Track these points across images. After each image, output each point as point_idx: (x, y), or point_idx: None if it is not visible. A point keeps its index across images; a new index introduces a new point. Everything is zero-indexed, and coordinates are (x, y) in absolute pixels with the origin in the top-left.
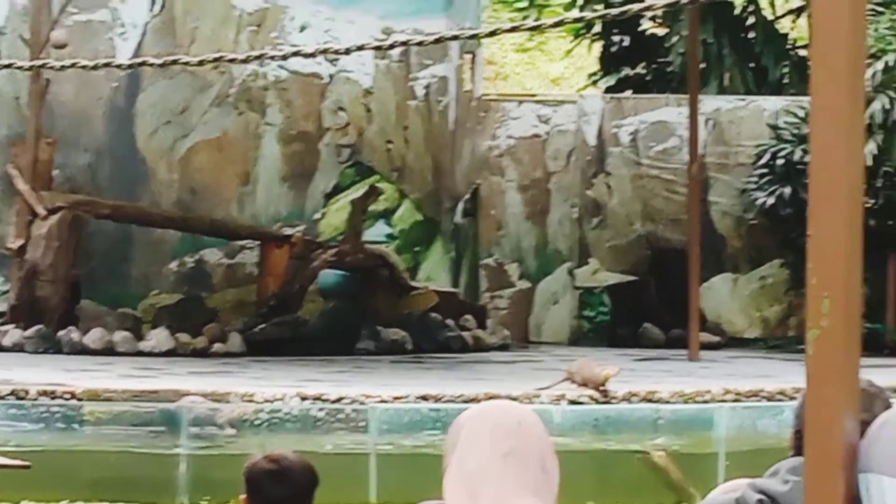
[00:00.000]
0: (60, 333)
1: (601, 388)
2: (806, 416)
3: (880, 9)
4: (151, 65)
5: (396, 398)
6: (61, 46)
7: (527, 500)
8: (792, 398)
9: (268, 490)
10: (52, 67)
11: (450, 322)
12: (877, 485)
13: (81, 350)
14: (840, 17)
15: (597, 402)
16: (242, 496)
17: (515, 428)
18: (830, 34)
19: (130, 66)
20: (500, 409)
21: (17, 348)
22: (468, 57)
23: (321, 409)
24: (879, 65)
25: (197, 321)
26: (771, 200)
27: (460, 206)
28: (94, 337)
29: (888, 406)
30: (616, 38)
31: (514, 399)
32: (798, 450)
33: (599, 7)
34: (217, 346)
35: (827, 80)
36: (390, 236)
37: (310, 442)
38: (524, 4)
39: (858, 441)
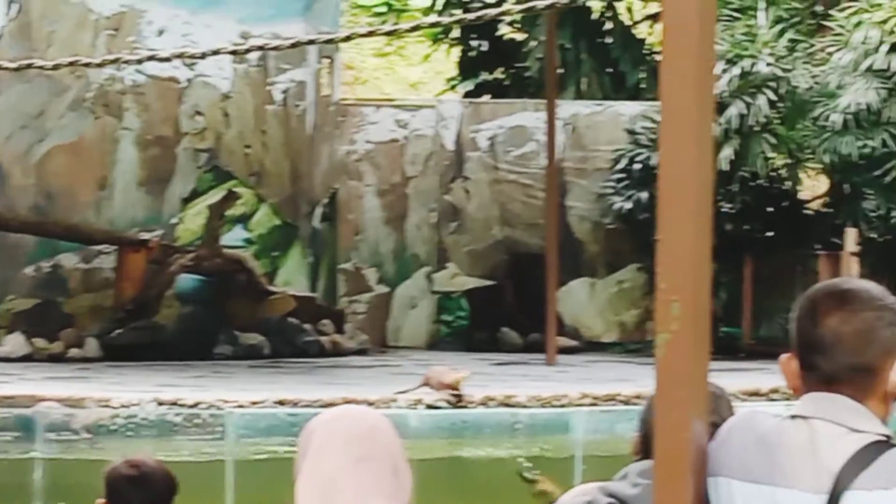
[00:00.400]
0: None
1: (454, 391)
2: (656, 420)
3: (736, 14)
4: (6, 69)
5: (254, 403)
6: None
7: (382, 503)
8: None
9: (127, 495)
10: None
11: (308, 327)
12: (726, 488)
13: None
14: (689, 22)
15: (452, 405)
16: (101, 500)
17: (368, 433)
18: (679, 39)
19: None
20: (351, 414)
21: None
22: (327, 61)
23: (178, 415)
24: (736, 70)
25: (53, 326)
26: (628, 205)
27: (318, 211)
28: None
29: (731, 408)
30: (474, 43)
31: (372, 404)
32: (644, 454)
33: (457, 12)
34: (73, 352)
35: (676, 84)
36: (248, 241)
37: (167, 447)
38: (383, 9)
39: (707, 444)
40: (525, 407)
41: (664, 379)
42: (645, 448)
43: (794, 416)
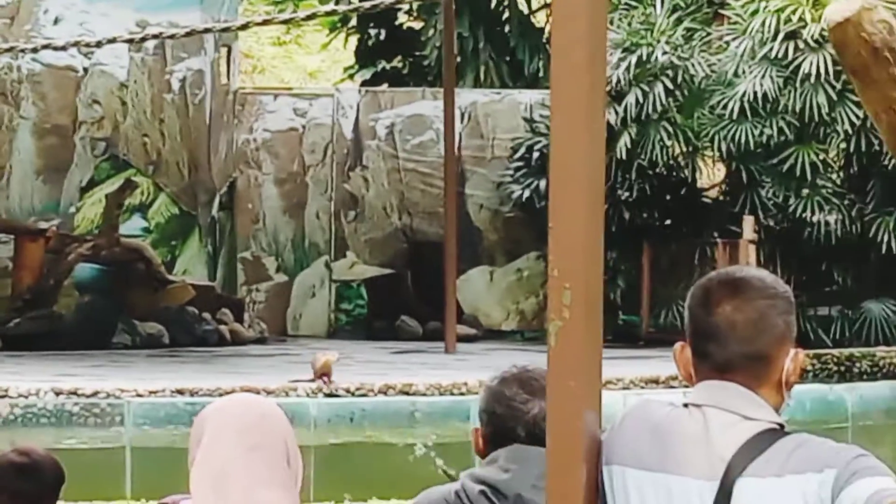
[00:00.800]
0: None
1: (323, 376)
2: (548, 408)
3: (633, 3)
4: None
5: (152, 392)
6: None
7: (274, 492)
8: None
9: (15, 484)
10: None
11: (207, 316)
12: (620, 476)
13: None
14: (579, 10)
15: (323, 394)
16: None
17: (259, 421)
18: (569, 27)
19: None
20: (243, 403)
21: None
22: (224, 50)
23: (76, 404)
24: (633, 58)
25: None
26: (527, 193)
27: (217, 200)
28: None
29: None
30: (372, 32)
31: (270, 393)
32: (491, 445)
33: (355, 0)
34: None
35: (566, 73)
36: (146, 230)
37: (65, 436)
38: None
39: (599, 433)
40: (424, 395)
41: (556, 367)
42: (494, 440)
43: (686, 405)
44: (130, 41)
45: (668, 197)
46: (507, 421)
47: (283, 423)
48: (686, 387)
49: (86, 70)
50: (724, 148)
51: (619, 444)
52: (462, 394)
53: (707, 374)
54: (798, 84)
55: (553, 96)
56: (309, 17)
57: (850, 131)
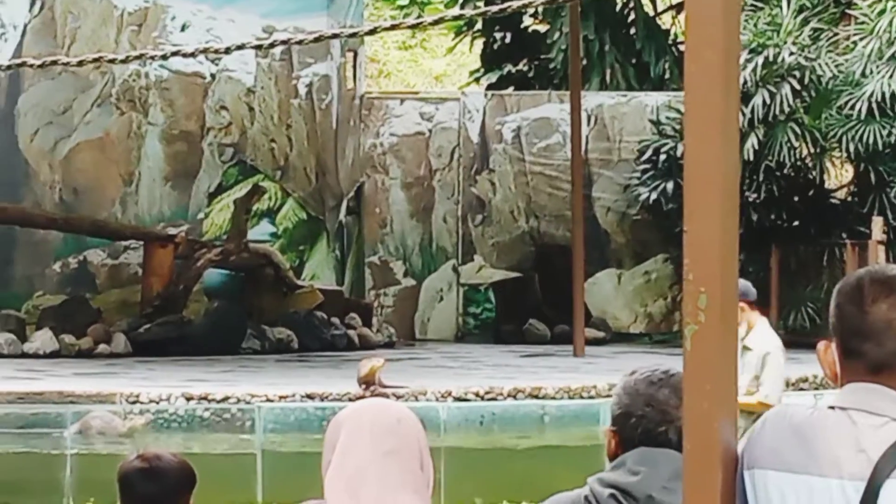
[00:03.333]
0: None
1: (372, 383)
2: (684, 411)
3: (759, 4)
4: (31, 66)
5: (282, 397)
6: None
7: (407, 497)
8: None
9: (139, 488)
10: None
11: (335, 320)
12: (762, 480)
13: None
14: (713, 11)
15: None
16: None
17: (395, 426)
18: (704, 28)
19: (10, 67)
20: (378, 407)
21: None
22: (350, 55)
23: (207, 409)
24: (759, 59)
25: (81, 322)
26: (654, 195)
27: (344, 205)
28: None
29: None
30: (498, 35)
31: (400, 397)
32: (619, 446)
33: (480, 4)
34: (102, 347)
35: (701, 74)
36: (274, 235)
37: (196, 442)
38: (406, 2)
39: (735, 436)
40: (553, 398)
41: (692, 370)
42: (621, 440)
43: (831, 407)
44: (259, 47)
45: (795, 198)
46: (659, 425)
47: (417, 427)
48: (817, 389)
49: (213, 76)
50: (851, 148)
51: (760, 448)
52: (591, 397)
53: (857, 373)
54: None
55: (687, 98)
56: (436, 22)
57: None
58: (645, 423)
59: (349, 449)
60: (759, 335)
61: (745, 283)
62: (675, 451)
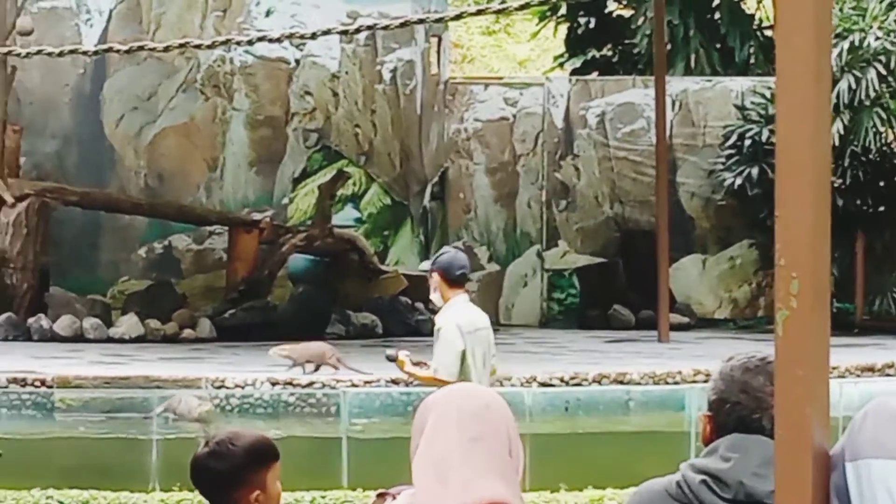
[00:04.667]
0: (30, 321)
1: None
2: (776, 397)
3: None
4: (117, 51)
5: (367, 382)
6: (27, 33)
7: (494, 483)
8: None
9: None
10: (17, 55)
11: (419, 305)
12: (865, 470)
13: (51, 337)
14: None
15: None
16: None
17: (483, 412)
18: (795, 13)
19: (96, 53)
20: (466, 392)
21: None
22: (434, 40)
23: (292, 394)
24: (845, 44)
25: (166, 307)
26: (739, 181)
27: (428, 190)
28: (63, 324)
29: None
30: (582, 20)
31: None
32: (714, 432)
33: None
34: (187, 332)
35: (792, 59)
36: (359, 220)
37: (281, 426)
38: None
39: (828, 421)
40: (638, 384)
41: (784, 356)
42: (716, 426)
43: None
44: (344, 33)
45: (881, 183)
46: (754, 412)
47: (506, 413)
48: None
49: (297, 62)
50: None
51: (862, 439)
52: (676, 383)
53: None
54: None
55: (778, 84)
56: (522, 7)
57: None
58: (739, 409)
59: (436, 434)
60: (444, 311)
61: (447, 259)
62: (768, 438)
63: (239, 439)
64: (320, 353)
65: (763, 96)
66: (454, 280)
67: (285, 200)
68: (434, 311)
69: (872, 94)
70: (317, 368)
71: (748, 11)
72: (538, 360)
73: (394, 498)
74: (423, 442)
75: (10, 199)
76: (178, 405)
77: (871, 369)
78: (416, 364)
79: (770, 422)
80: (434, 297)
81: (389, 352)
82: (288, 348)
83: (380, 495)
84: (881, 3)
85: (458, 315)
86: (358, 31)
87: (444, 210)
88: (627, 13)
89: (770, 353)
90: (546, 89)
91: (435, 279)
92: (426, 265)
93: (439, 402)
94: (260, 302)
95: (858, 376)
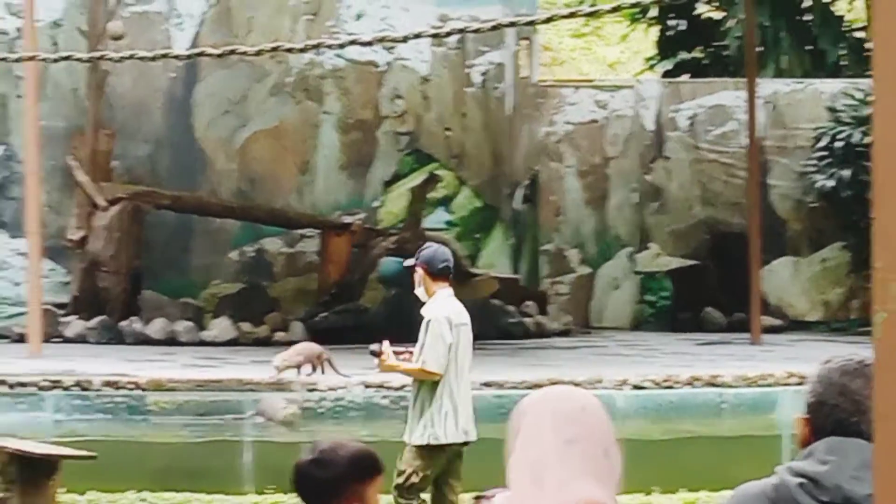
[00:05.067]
0: (123, 324)
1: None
2: (875, 400)
3: None
4: (209, 55)
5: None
6: (119, 38)
7: (589, 485)
8: None
9: (310, 475)
10: (109, 59)
11: (511, 308)
12: None
13: (144, 340)
14: None
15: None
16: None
17: (578, 414)
18: (893, 14)
19: (188, 57)
20: (562, 394)
21: (80, 339)
22: (524, 43)
23: (385, 397)
24: None
25: (258, 310)
26: (831, 183)
27: (519, 193)
28: (156, 327)
29: None
30: (672, 23)
31: (578, 384)
32: (811, 435)
33: None
34: (279, 335)
35: (889, 60)
36: (450, 223)
37: (374, 429)
38: None
39: None
40: (731, 387)
41: (883, 359)
42: (813, 428)
43: None
44: (435, 36)
45: None
46: (852, 415)
47: (602, 415)
48: None
49: (388, 65)
50: None
51: None
52: (769, 385)
53: None
54: None
55: (875, 83)
56: (614, 10)
57: None
58: (837, 412)
59: (531, 436)
60: (431, 304)
61: (430, 253)
62: (866, 442)
63: (343, 449)
64: (317, 354)
65: (854, 98)
66: (437, 273)
67: (376, 203)
68: (526, 315)
69: None
70: (314, 370)
71: (838, 13)
72: (630, 363)
73: (489, 500)
74: (518, 444)
75: (102, 203)
76: (265, 408)
77: (448, 350)
78: (398, 354)
79: (868, 425)
80: (419, 291)
81: (373, 347)
82: (284, 356)
83: (476, 498)
84: None
85: (445, 308)
86: (448, 34)
87: (534, 213)
88: (718, 15)
89: (868, 355)
90: (636, 92)
91: (419, 273)
92: (410, 261)
93: (534, 404)
94: (352, 305)
95: None
